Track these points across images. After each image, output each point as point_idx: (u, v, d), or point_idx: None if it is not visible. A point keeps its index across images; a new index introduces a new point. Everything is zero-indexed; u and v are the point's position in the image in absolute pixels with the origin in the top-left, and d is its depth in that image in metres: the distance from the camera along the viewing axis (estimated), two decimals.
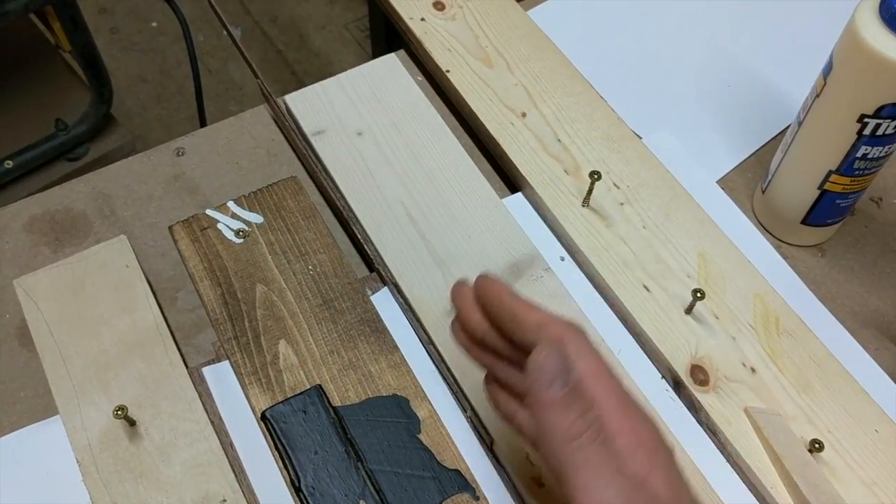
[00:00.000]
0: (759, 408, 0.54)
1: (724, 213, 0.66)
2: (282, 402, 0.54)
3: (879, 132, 0.55)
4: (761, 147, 0.72)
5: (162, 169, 0.70)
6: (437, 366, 0.58)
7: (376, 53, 0.85)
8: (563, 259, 0.63)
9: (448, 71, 0.71)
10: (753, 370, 0.56)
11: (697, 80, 0.75)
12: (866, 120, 0.55)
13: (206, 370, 0.57)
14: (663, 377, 0.58)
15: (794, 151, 0.61)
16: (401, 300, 0.60)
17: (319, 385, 0.55)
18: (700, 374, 0.56)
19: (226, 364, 0.57)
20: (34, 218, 0.67)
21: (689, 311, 0.58)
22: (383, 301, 0.60)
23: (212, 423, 0.54)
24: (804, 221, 0.64)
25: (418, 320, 0.58)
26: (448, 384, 0.57)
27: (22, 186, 1.11)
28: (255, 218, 0.63)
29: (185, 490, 0.51)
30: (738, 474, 0.54)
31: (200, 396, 0.55)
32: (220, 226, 0.63)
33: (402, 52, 0.77)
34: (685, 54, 0.77)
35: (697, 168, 0.68)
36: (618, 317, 0.60)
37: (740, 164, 0.71)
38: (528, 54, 0.72)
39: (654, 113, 0.72)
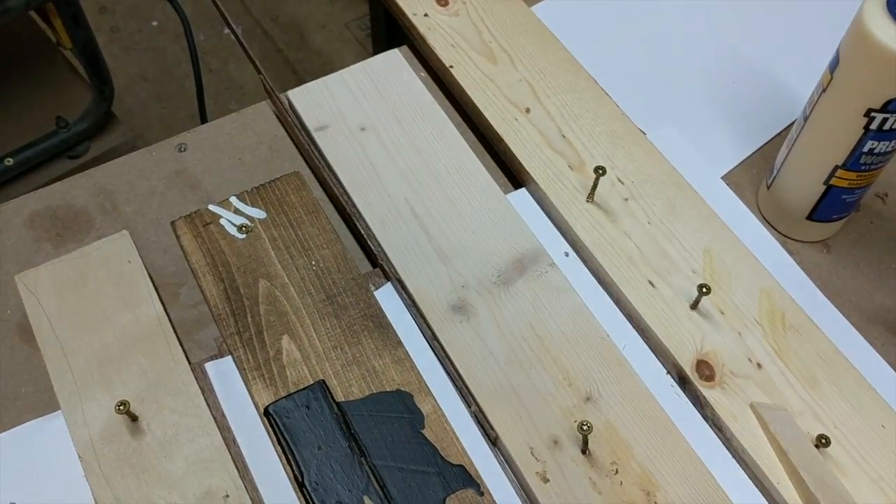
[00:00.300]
0: (765, 403, 0.54)
1: (728, 208, 0.66)
2: (285, 397, 0.54)
3: (886, 127, 0.55)
4: (766, 143, 0.71)
5: (164, 164, 0.70)
6: (440, 361, 0.57)
7: (377, 52, 0.85)
8: (567, 255, 0.63)
9: (451, 66, 0.71)
10: (759, 365, 0.56)
11: (702, 75, 0.75)
12: (873, 114, 0.55)
13: (208, 366, 0.57)
14: (668, 373, 0.57)
15: (800, 146, 0.61)
16: (404, 295, 0.60)
17: (323, 380, 0.55)
18: (706, 369, 0.56)
19: (228, 360, 0.57)
20: (35, 214, 0.67)
21: (694, 306, 0.58)
22: (387, 297, 0.60)
23: (214, 418, 0.54)
24: (810, 217, 0.64)
25: (422, 316, 0.58)
26: (452, 379, 0.56)
27: (23, 184, 1.11)
28: (258, 213, 0.63)
29: (188, 485, 0.51)
30: (743, 469, 0.54)
31: (203, 392, 0.55)
32: (222, 221, 0.62)
33: (404, 47, 0.77)
34: (689, 50, 0.76)
35: (702, 163, 0.68)
36: (623, 312, 0.60)
37: (745, 160, 0.70)
38: (531, 50, 0.72)
39: (658, 109, 0.72)
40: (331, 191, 0.66)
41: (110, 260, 0.60)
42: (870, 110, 0.55)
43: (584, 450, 0.52)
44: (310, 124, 0.68)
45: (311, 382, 0.54)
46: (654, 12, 0.79)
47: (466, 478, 0.51)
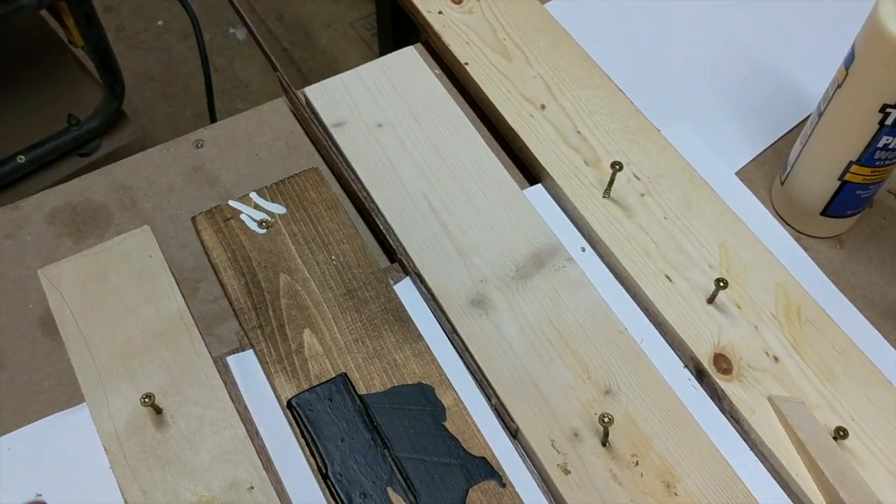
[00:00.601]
0: (783, 396, 0.55)
1: (742, 204, 0.66)
2: (307, 390, 0.54)
3: None
4: (778, 139, 0.72)
5: (181, 161, 0.70)
6: (460, 355, 0.58)
7: (383, 51, 0.86)
8: (583, 250, 0.63)
9: (467, 63, 0.71)
10: (776, 359, 0.57)
11: (714, 72, 0.75)
12: (888, 110, 0.55)
13: (230, 359, 0.57)
14: (686, 366, 0.58)
15: (815, 142, 0.62)
16: (423, 290, 0.60)
17: (345, 373, 0.55)
18: (723, 362, 0.56)
19: (250, 353, 0.58)
20: (55, 210, 0.67)
21: (711, 300, 0.59)
22: (406, 291, 0.61)
23: (237, 411, 0.54)
24: (823, 213, 0.64)
25: (441, 310, 0.59)
26: (472, 373, 0.57)
27: (34, 181, 1.11)
28: (278, 209, 0.63)
29: (213, 477, 0.51)
30: (761, 462, 0.54)
31: (225, 385, 0.55)
32: (242, 216, 0.63)
33: (419, 45, 0.77)
34: (701, 46, 0.77)
35: (716, 159, 0.69)
36: (640, 307, 0.60)
37: (757, 156, 0.71)
38: (546, 47, 0.73)
39: (670, 105, 0.72)
40: (348, 187, 0.66)
41: (132, 254, 0.61)
42: (885, 106, 0.55)
43: (605, 442, 0.53)
44: (327, 121, 0.68)
45: (333, 375, 0.55)
46: (666, 9, 0.79)
47: (488, 469, 0.52)
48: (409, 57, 0.73)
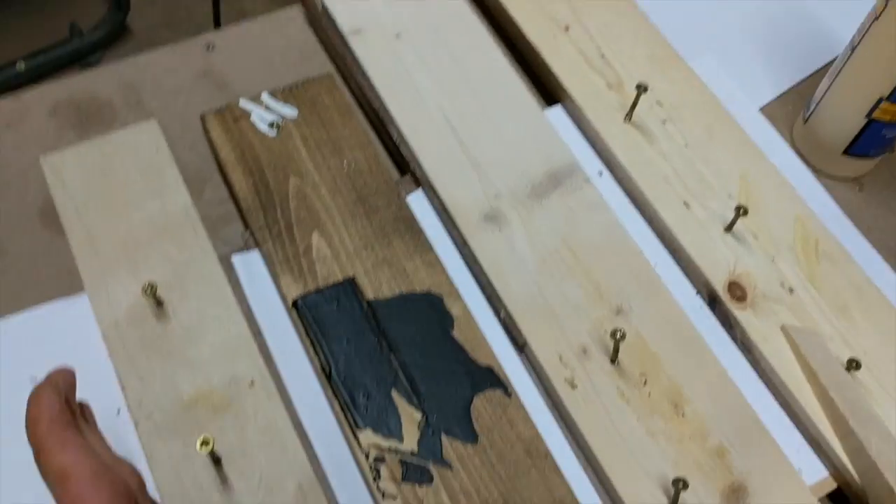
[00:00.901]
0: (797, 326, 0.54)
1: (764, 139, 0.65)
2: (314, 291, 0.53)
3: None
4: (803, 80, 0.70)
5: (191, 62, 0.68)
6: (470, 268, 0.57)
7: None
8: (600, 174, 0.62)
9: None
10: (791, 290, 0.56)
11: (744, 9, 0.73)
12: None
13: (235, 257, 0.56)
14: (699, 293, 0.57)
15: (844, 76, 0.60)
16: (436, 202, 0.59)
17: (353, 277, 0.54)
18: (738, 290, 0.55)
19: (255, 253, 0.56)
20: (59, 103, 0.65)
21: (729, 228, 0.57)
22: (417, 203, 0.59)
23: (240, 309, 0.53)
24: (846, 152, 0.63)
25: (453, 223, 0.57)
26: (481, 286, 0.56)
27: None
28: (290, 111, 0.61)
29: (213, 370, 0.50)
30: (770, 390, 0.53)
31: (229, 282, 0.54)
32: (253, 118, 0.61)
33: None
34: None
35: (740, 94, 0.67)
36: (654, 232, 0.59)
37: (781, 95, 0.69)
38: None
39: (697, 38, 0.70)
40: (362, 99, 0.64)
41: (138, 148, 0.59)
42: None
43: (614, 359, 0.52)
44: (344, 27, 0.66)
45: (341, 279, 0.54)
46: None
47: (494, 379, 0.51)
48: None
